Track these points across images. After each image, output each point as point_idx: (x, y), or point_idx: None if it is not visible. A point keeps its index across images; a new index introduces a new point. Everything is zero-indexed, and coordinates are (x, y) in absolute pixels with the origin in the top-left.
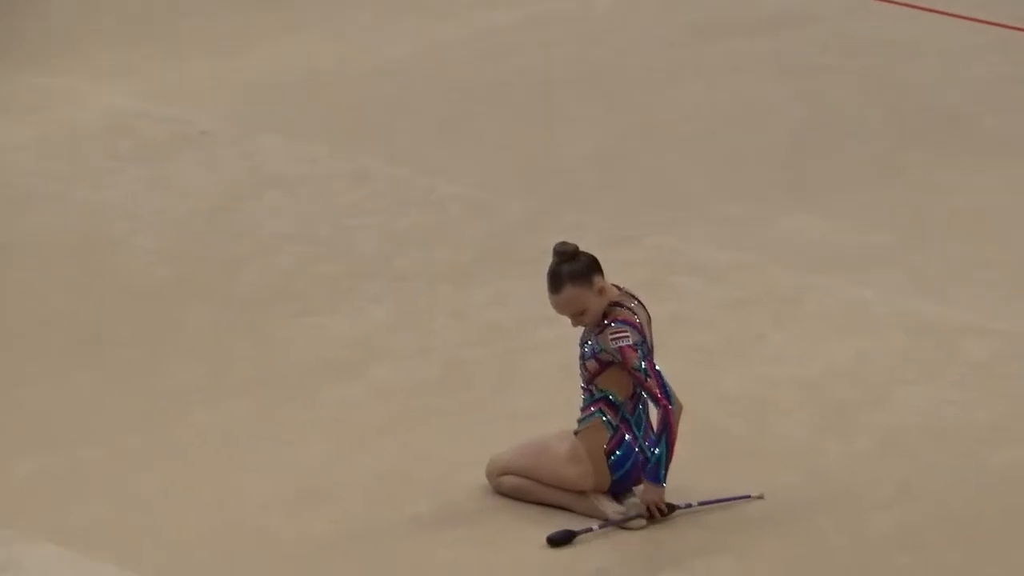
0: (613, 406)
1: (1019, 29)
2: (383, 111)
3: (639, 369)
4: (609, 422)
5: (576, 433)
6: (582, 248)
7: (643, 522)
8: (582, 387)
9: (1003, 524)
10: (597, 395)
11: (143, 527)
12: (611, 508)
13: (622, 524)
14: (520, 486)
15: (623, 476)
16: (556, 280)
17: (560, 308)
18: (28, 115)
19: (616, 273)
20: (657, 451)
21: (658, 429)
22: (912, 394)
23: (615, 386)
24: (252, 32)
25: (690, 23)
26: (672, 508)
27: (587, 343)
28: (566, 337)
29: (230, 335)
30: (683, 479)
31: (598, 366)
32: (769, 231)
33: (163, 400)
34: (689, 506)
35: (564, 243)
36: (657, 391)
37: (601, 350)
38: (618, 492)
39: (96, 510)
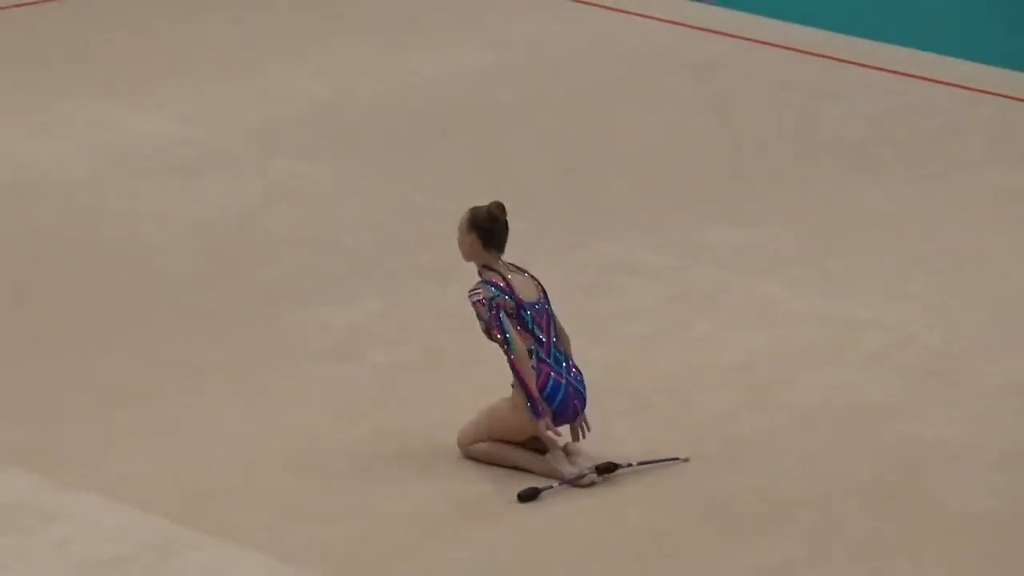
0: (502, 337)
1: (912, 76)
2: (373, 135)
3: (485, 320)
4: (531, 366)
5: (512, 386)
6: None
7: (594, 478)
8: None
9: (896, 486)
10: (496, 336)
11: (172, 480)
12: (567, 468)
13: (576, 482)
14: (487, 451)
15: (560, 407)
16: (473, 208)
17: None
18: (77, 136)
19: (568, 274)
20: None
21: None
22: (817, 377)
23: (486, 326)
24: (266, 66)
25: (632, 64)
26: (615, 467)
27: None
28: None
29: (247, 323)
30: (622, 446)
31: (482, 323)
32: (696, 238)
33: (191, 374)
34: (629, 465)
35: (496, 205)
36: (498, 340)
37: (472, 302)
38: (563, 422)
39: (133, 465)
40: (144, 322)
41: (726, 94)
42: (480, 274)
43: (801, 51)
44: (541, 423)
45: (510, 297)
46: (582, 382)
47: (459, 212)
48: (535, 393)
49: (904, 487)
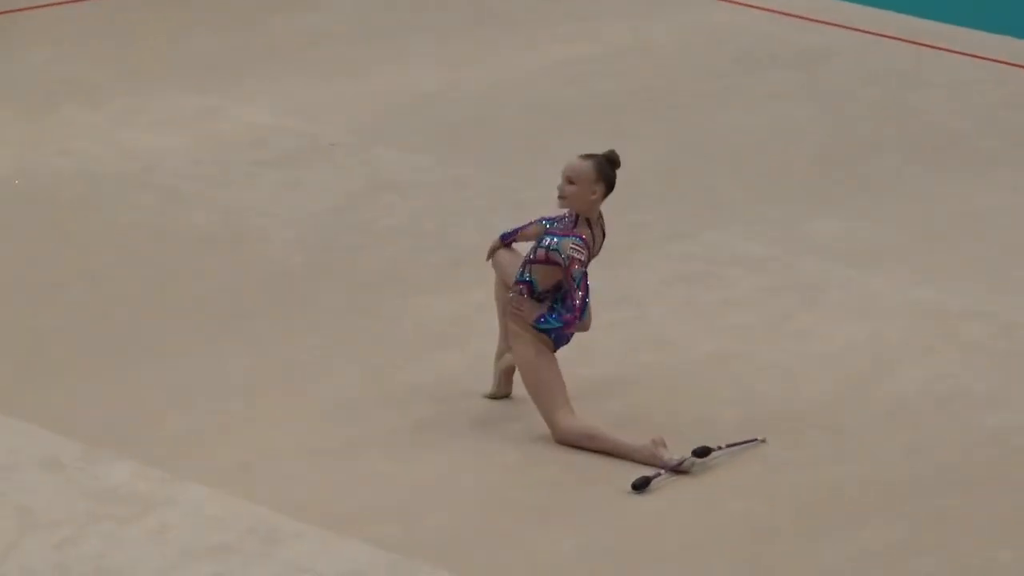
0: (532, 291)
1: (1012, 64)
2: (478, 128)
3: (575, 280)
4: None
5: (507, 338)
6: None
7: (695, 461)
8: (522, 264)
9: (994, 474)
10: (525, 276)
11: (276, 472)
12: (667, 455)
13: (679, 468)
14: (584, 434)
15: (557, 336)
16: (589, 156)
17: (568, 171)
18: (183, 128)
19: (673, 263)
20: (555, 321)
21: (560, 317)
22: (917, 368)
23: (541, 277)
24: (371, 60)
25: (733, 57)
26: (709, 450)
27: (552, 238)
28: (632, 320)
29: (351, 312)
30: (727, 433)
31: (545, 257)
32: (798, 230)
33: (295, 365)
34: (720, 448)
35: (615, 153)
36: (576, 300)
37: (557, 250)
38: (559, 346)
39: (237, 456)
40: (250, 313)
41: (829, 85)
42: (576, 226)
43: (904, 40)
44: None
45: (588, 258)
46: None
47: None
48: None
49: (1005, 475)
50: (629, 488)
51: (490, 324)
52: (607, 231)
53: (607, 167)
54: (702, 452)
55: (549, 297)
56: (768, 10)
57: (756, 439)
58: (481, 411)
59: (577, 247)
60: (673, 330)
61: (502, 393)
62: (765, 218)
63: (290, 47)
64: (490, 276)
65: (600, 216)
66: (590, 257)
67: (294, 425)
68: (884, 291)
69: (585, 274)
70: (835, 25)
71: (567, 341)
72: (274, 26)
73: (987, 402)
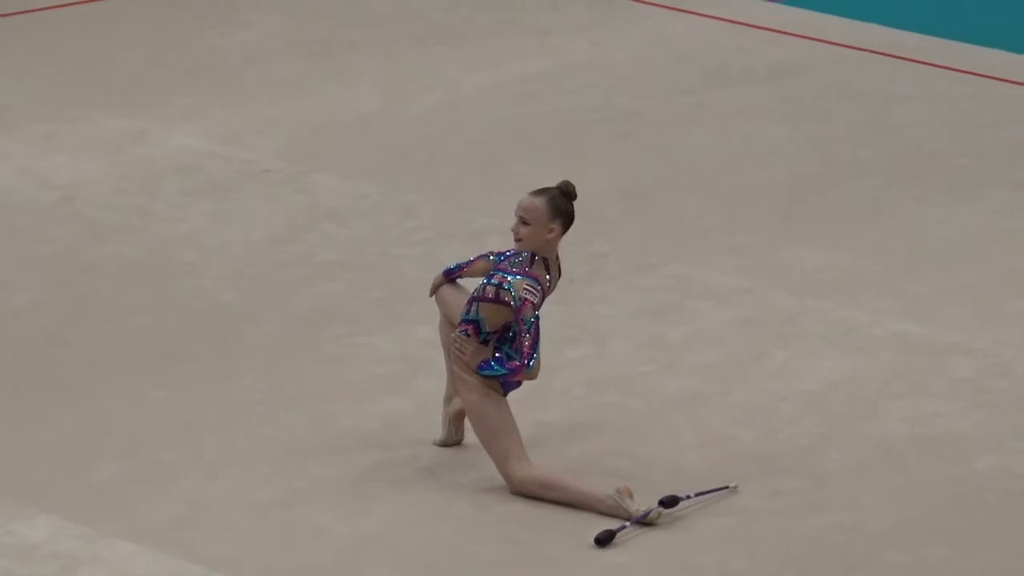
0: (478, 331)
1: (992, 78)
2: (425, 151)
3: (526, 323)
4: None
5: (455, 376)
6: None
7: (660, 512)
8: (468, 301)
9: (985, 523)
10: (471, 315)
11: (211, 526)
12: (633, 506)
13: (644, 520)
14: (543, 484)
15: (505, 382)
16: (542, 191)
17: (521, 210)
18: (105, 154)
19: (636, 296)
20: (500, 369)
21: (506, 364)
22: (902, 407)
23: (489, 316)
24: (308, 78)
25: (700, 73)
26: (677, 500)
27: (504, 275)
28: (592, 357)
29: (288, 352)
30: (699, 482)
31: (495, 296)
32: (772, 259)
33: (229, 410)
34: (688, 497)
35: (570, 184)
36: (525, 347)
37: (509, 290)
38: (509, 391)
39: (169, 510)
40: (180, 354)
41: (799, 101)
42: (530, 266)
43: (882, 53)
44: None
45: (540, 298)
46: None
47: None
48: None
49: (996, 524)
50: (592, 542)
51: (438, 364)
52: (563, 264)
53: (562, 201)
54: (670, 502)
55: (495, 339)
56: (737, 23)
57: (728, 486)
58: (430, 459)
59: (531, 288)
60: (637, 368)
61: (453, 440)
62: (736, 246)
63: (221, 66)
64: (437, 312)
65: (557, 256)
66: (543, 300)
67: (228, 475)
68: (864, 324)
69: (537, 319)
70: (808, 38)
71: (518, 386)
72: (204, 43)
73: (977, 444)
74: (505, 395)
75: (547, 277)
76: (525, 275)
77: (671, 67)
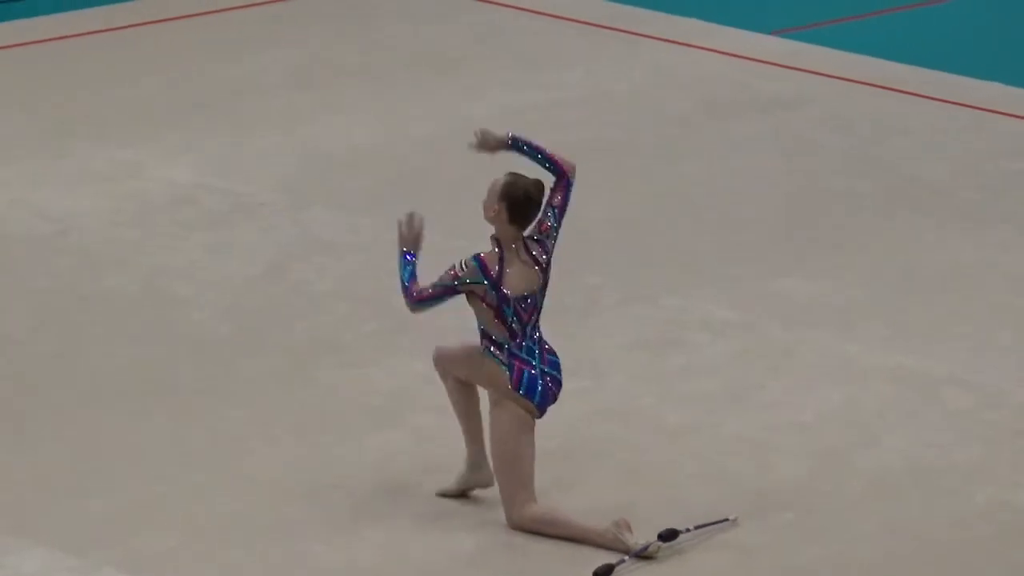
0: (496, 343)
1: (992, 111)
2: (418, 182)
3: (440, 283)
4: (500, 361)
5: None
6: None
7: (660, 545)
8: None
9: (980, 555)
10: (479, 326)
11: (205, 556)
12: (631, 539)
13: (643, 553)
14: (543, 520)
15: (540, 400)
16: (512, 174)
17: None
18: (102, 186)
19: (632, 328)
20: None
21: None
22: (896, 438)
23: (480, 315)
24: (301, 111)
25: (695, 105)
26: (676, 533)
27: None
28: (590, 389)
29: (283, 384)
30: (695, 514)
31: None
32: (766, 290)
33: (224, 441)
34: (688, 531)
35: (532, 186)
36: (424, 293)
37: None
38: (544, 409)
39: (164, 540)
40: (174, 385)
41: (797, 134)
42: (483, 253)
43: (877, 85)
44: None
45: (493, 289)
46: (557, 366)
47: None
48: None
49: (992, 557)
50: None
51: (432, 397)
52: (560, 296)
53: (516, 190)
54: (669, 535)
55: (513, 342)
56: (732, 55)
57: (727, 519)
58: (426, 490)
59: (464, 262)
60: (634, 401)
61: (471, 484)
62: (731, 277)
63: (215, 99)
64: (431, 343)
65: (526, 246)
66: (491, 284)
67: (222, 505)
68: (859, 356)
69: (451, 288)
70: (804, 71)
71: (553, 400)
72: (198, 77)
73: (973, 476)
74: (541, 415)
75: (501, 269)
76: (473, 256)
77: (666, 99)
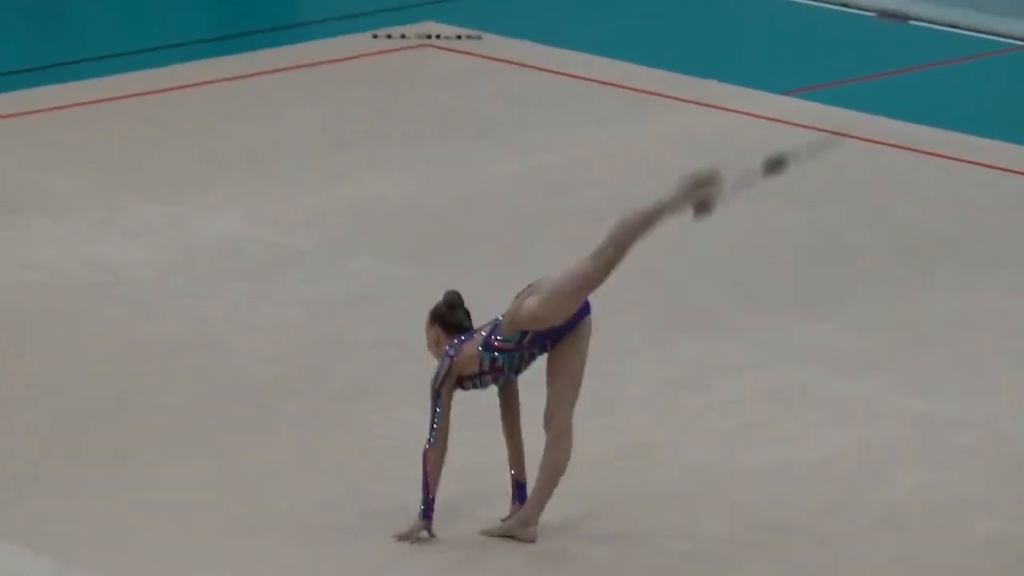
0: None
1: (996, 168)
2: (452, 238)
3: (438, 379)
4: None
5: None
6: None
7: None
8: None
9: None
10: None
11: None
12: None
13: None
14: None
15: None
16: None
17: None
18: (151, 238)
19: (655, 369)
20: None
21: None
22: (905, 475)
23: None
24: (341, 168)
25: (717, 162)
26: (782, 162)
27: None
28: (615, 427)
29: (322, 425)
30: (715, 545)
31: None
32: (782, 336)
33: (265, 478)
34: (796, 156)
35: (449, 295)
36: (430, 425)
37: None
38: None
39: (208, 571)
40: (219, 425)
41: (812, 189)
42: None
43: (888, 144)
44: (421, 523)
45: (462, 344)
46: None
47: None
48: (431, 494)
49: None
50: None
51: (467, 438)
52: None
53: (439, 309)
54: (776, 164)
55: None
56: (748, 114)
57: (828, 137)
58: (463, 529)
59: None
60: (656, 438)
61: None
62: (750, 324)
63: (258, 156)
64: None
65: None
66: (448, 369)
67: (261, 539)
68: (870, 397)
69: (437, 393)
70: (817, 129)
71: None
72: (243, 136)
73: (979, 510)
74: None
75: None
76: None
77: (688, 157)
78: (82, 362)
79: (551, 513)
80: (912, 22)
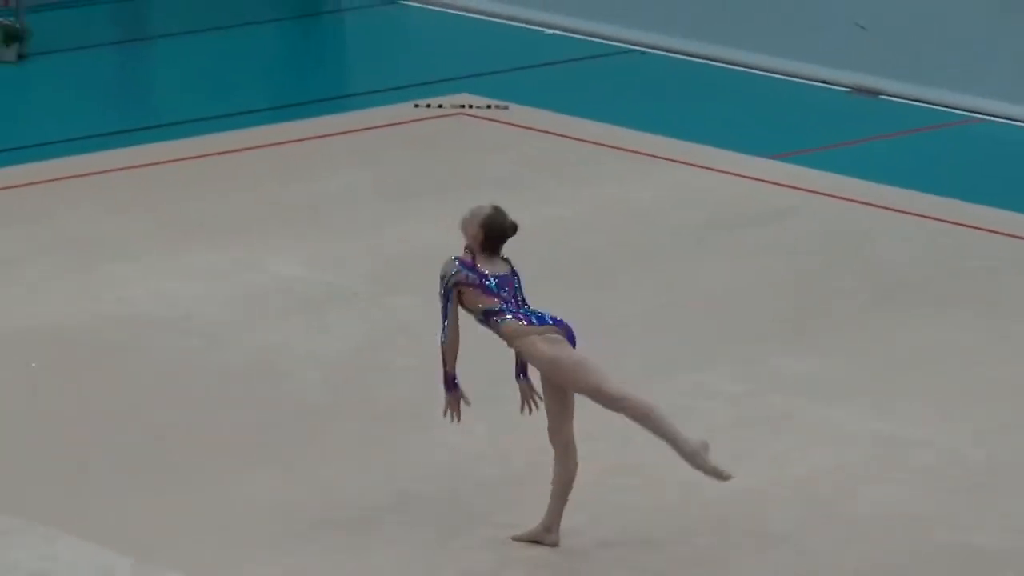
0: (497, 312)
1: (958, 224)
2: None
3: (441, 294)
4: (505, 313)
5: (513, 344)
6: None
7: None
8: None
9: None
10: (478, 319)
11: None
12: (711, 460)
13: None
14: (645, 412)
15: (554, 322)
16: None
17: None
18: (217, 278)
19: (652, 397)
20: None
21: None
22: (875, 490)
23: (473, 308)
24: (382, 219)
25: (709, 217)
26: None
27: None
28: (613, 450)
29: (370, 444)
30: (705, 560)
31: (444, 294)
32: (768, 367)
33: (319, 492)
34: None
35: (511, 225)
36: (442, 326)
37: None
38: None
39: (269, 571)
40: (275, 445)
41: (794, 241)
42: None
43: (861, 202)
44: (448, 396)
45: (472, 271)
46: (558, 319)
47: None
48: (450, 372)
49: None
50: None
51: (496, 453)
52: None
53: (496, 223)
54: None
55: (488, 314)
56: (738, 175)
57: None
58: (498, 541)
59: (451, 268)
60: (650, 459)
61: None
62: (737, 357)
63: (312, 209)
64: (492, 410)
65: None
66: (470, 270)
67: (321, 544)
68: (845, 421)
69: (446, 297)
70: (798, 188)
71: (567, 330)
72: (300, 190)
73: (939, 522)
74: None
75: (475, 261)
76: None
77: (683, 211)
78: (162, 387)
79: (572, 534)
80: (882, 96)
